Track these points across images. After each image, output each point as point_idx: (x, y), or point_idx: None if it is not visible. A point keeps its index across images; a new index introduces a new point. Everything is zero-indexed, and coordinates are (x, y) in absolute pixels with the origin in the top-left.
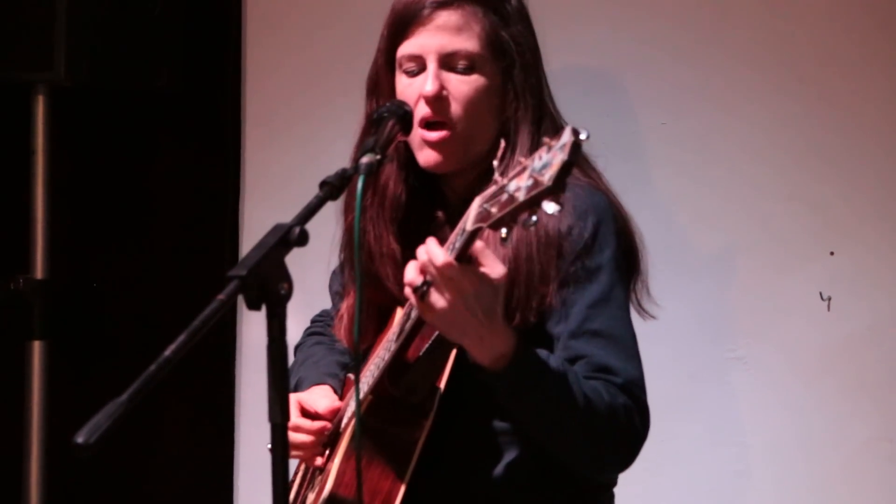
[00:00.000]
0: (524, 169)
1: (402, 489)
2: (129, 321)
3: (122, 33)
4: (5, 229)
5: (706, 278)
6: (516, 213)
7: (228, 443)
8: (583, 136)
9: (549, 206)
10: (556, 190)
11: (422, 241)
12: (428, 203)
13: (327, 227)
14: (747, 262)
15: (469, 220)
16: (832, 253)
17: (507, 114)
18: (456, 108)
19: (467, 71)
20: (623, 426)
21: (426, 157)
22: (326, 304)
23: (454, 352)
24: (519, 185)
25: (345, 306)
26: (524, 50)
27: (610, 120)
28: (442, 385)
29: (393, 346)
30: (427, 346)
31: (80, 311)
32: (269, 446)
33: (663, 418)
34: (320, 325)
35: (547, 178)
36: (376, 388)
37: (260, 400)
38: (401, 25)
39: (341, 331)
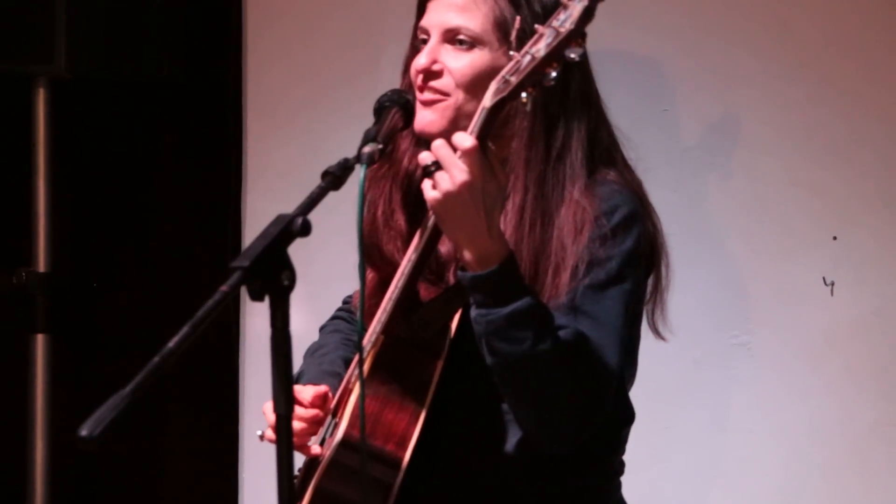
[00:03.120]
0: (541, 35)
1: (417, 433)
2: (133, 313)
3: (122, 24)
4: (7, 222)
5: (709, 265)
6: (539, 71)
7: (232, 434)
8: None
9: (573, 52)
10: (578, 33)
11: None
12: None
13: (330, 217)
14: (750, 248)
15: (487, 97)
16: (835, 238)
17: None
18: (449, 82)
19: (467, 47)
20: (582, 390)
21: (419, 119)
22: (329, 293)
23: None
24: (538, 47)
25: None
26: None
27: (611, 107)
28: (453, 327)
29: (408, 268)
30: (441, 292)
31: (83, 303)
32: (259, 433)
33: (668, 405)
34: (348, 307)
35: (568, 24)
36: (388, 328)
37: (264, 390)
38: (420, 2)
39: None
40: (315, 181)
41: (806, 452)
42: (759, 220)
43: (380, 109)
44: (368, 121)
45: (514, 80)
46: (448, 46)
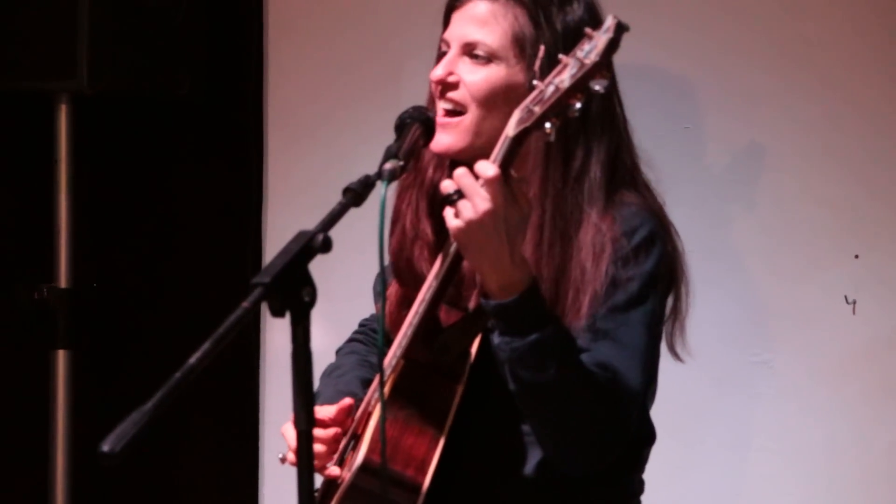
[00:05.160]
0: (566, 65)
1: (436, 457)
2: (154, 329)
3: (143, 41)
4: (29, 238)
5: (730, 283)
6: (563, 101)
7: (253, 450)
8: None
9: (598, 84)
10: (603, 65)
11: None
12: None
13: (351, 234)
14: (772, 266)
15: (510, 126)
16: (857, 256)
17: None
18: (465, 94)
19: (483, 61)
20: (606, 415)
21: (437, 142)
22: (350, 309)
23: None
24: (563, 78)
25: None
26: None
27: (633, 125)
28: (473, 352)
29: (429, 295)
30: (462, 316)
31: (104, 319)
32: (280, 456)
33: (689, 424)
34: (364, 330)
35: (593, 56)
36: (408, 352)
37: (284, 407)
38: (446, 12)
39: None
40: (336, 196)
41: (825, 471)
42: (780, 238)
43: (401, 126)
44: (389, 135)
45: (537, 110)
46: (466, 59)
